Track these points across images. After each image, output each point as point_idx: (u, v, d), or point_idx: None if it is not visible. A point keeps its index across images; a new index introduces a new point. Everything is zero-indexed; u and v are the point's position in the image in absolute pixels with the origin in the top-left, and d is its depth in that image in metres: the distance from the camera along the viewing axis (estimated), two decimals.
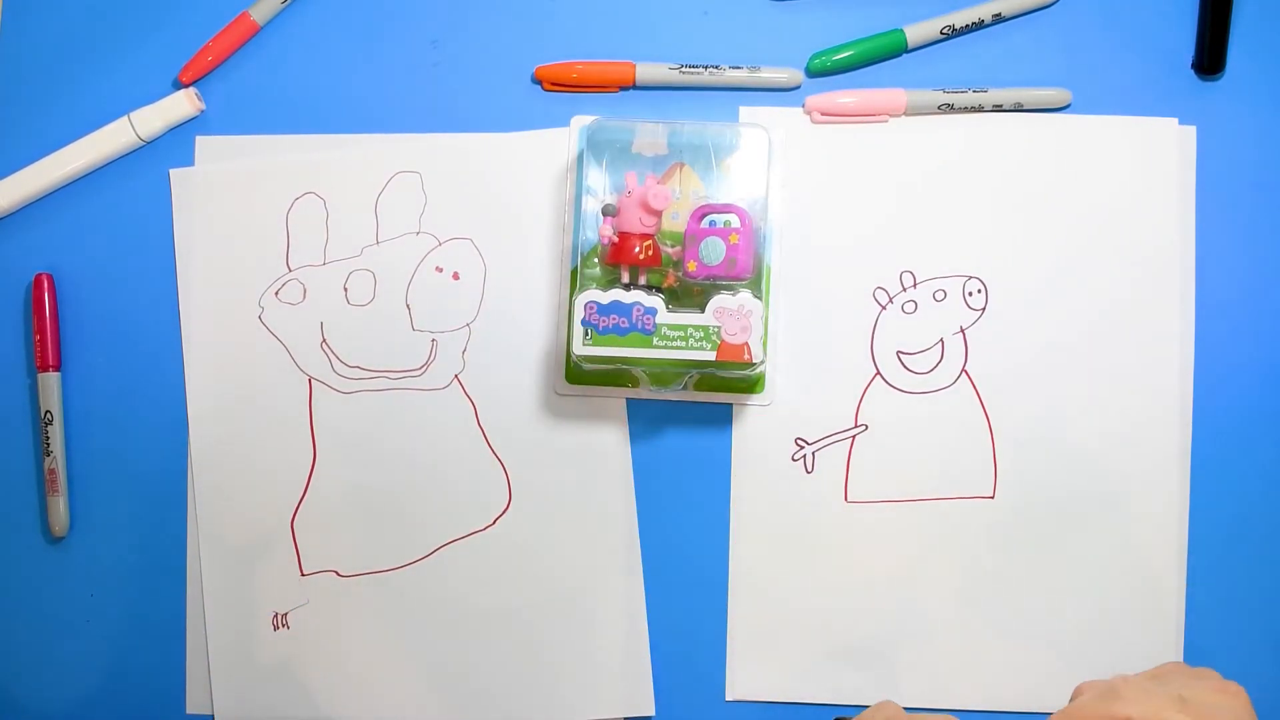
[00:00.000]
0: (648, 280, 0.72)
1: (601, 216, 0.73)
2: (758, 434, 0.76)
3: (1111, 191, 0.76)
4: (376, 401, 0.77)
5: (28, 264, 0.78)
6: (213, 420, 0.77)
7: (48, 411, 0.76)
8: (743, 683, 0.75)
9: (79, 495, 0.77)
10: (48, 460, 0.76)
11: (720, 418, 0.76)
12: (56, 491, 0.76)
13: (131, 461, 0.77)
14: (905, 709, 0.75)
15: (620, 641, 0.75)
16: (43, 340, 0.76)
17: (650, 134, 0.73)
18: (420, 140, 0.77)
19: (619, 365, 0.72)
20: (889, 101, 0.75)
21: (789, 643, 0.75)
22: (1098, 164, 0.76)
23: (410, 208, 0.77)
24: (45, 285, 0.76)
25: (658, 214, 0.71)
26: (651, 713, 0.75)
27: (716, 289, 0.71)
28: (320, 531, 0.76)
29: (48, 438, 0.76)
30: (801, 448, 0.76)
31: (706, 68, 0.76)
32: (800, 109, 0.76)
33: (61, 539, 0.77)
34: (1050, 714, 0.75)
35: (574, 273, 0.74)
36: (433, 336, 0.77)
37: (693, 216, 0.71)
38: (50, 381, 0.76)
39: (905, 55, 0.77)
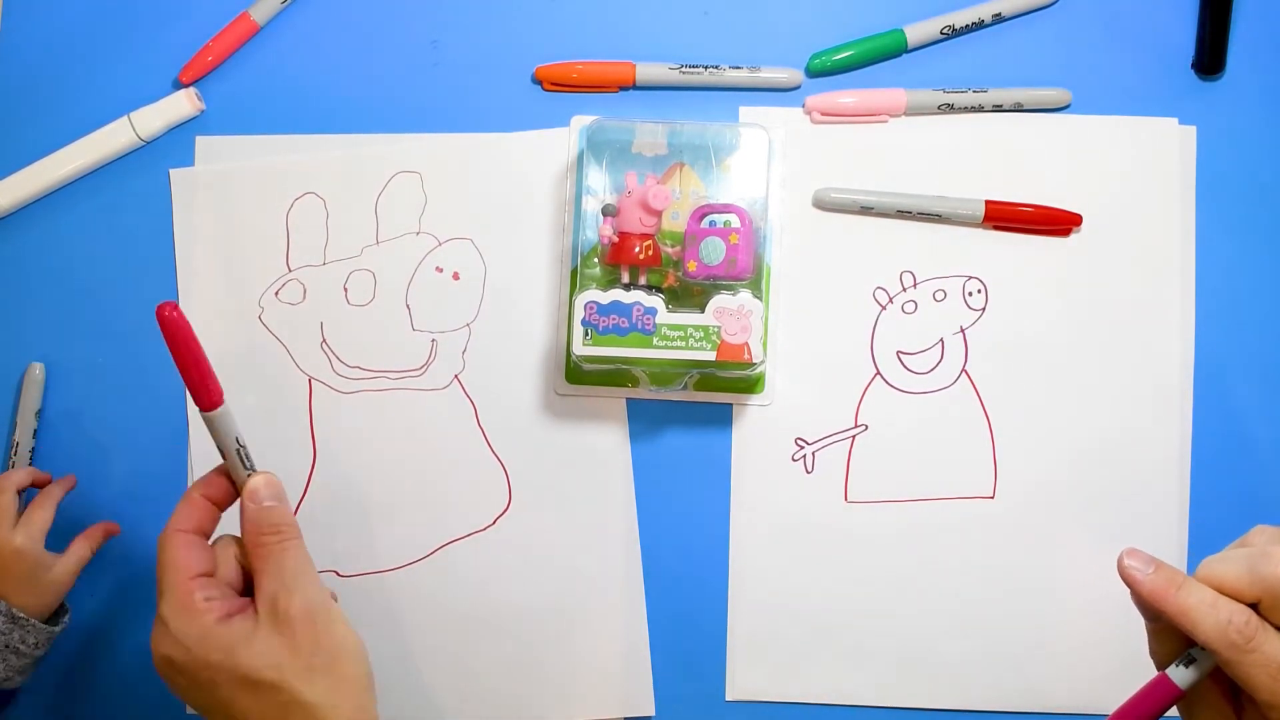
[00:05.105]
0: (648, 280, 0.72)
1: (601, 216, 0.73)
2: (758, 434, 0.76)
3: (1111, 191, 0.76)
4: (376, 401, 0.77)
5: (27, 263, 0.78)
6: None
7: (239, 443, 0.62)
8: (743, 683, 0.75)
9: (78, 494, 0.77)
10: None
11: (720, 418, 0.76)
12: None
13: (131, 462, 0.77)
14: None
15: (620, 641, 0.75)
16: (201, 377, 0.60)
17: (650, 134, 0.73)
18: (420, 140, 0.77)
19: (619, 365, 0.72)
20: (889, 101, 0.75)
21: (789, 643, 0.75)
22: (1098, 164, 0.76)
23: (410, 208, 0.77)
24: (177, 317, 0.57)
25: (658, 214, 0.71)
26: (651, 713, 0.75)
27: (716, 289, 0.71)
28: (320, 531, 0.76)
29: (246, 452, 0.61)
30: (801, 448, 0.76)
31: (706, 68, 0.75)
32: (800, 109, 0.76)
33: None
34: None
35: (574, 273, 0.74)
36: (433, 336, 0.77)
37: (693, 216, 0.71)
38: (219, 418, 0.60)
39: (905, 55, 0.77)
